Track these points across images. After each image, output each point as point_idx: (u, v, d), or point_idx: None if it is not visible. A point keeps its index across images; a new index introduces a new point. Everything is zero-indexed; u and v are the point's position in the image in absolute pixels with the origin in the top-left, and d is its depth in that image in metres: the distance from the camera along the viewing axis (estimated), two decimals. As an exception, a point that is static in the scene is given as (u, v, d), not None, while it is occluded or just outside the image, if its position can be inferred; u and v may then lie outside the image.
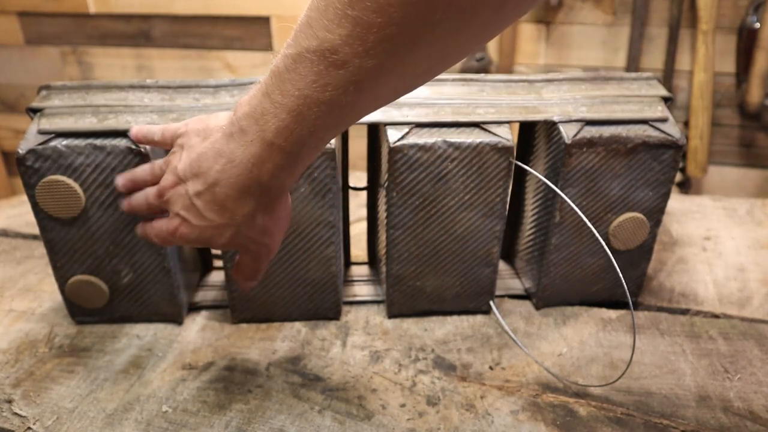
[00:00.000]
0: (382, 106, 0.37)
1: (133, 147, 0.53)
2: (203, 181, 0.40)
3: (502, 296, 0.69)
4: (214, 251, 0.73)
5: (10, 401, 0.53)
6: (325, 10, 0.30)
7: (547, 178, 0.59)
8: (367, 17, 0.29)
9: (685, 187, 1.32)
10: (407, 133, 0.56)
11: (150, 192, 0.47)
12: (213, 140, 0.40)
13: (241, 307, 0.63)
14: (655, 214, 0.62)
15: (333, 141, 0.54)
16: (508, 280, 0.71)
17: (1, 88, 1.66)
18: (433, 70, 0.35)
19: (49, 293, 0.69)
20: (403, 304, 0.65)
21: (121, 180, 0.49)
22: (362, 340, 0.61)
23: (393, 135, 0.55)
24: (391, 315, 0.65)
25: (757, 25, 1.16)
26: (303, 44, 0.32)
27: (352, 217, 0.73)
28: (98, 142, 0.53)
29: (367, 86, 0.32)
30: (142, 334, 0.62)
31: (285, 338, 0.62)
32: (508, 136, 0.56)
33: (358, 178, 0.73)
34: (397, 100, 0.57)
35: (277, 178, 0.39)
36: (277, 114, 0.35)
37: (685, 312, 0.67)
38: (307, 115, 0.34)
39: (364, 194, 0.72)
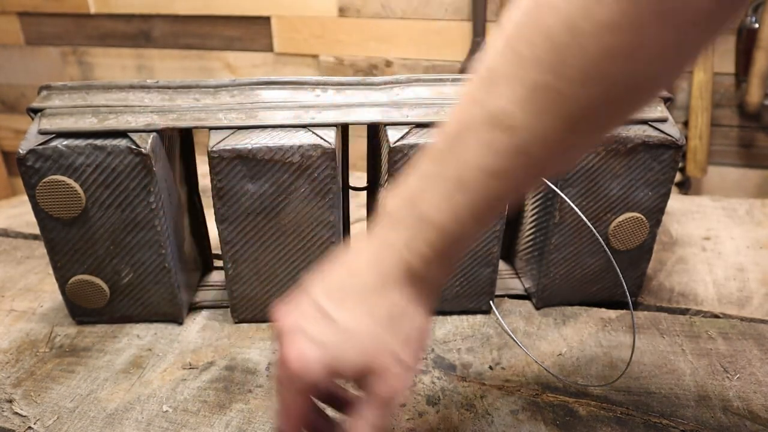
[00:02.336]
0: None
1: (134, 147, 0.53)
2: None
3: (502, 296, 0.69)
4: (215, 251, 0.73)
5: (10, 401, 0.53)
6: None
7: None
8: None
9: (685, 187, 1.32)
10: (407, 133, 0.56)
11: None
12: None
13: (242, 307, 0.63)
14: (655, 214, 0.62)
15: (333, 141, 0.54)
16: (508, 280, 0.71)
17: (1, 88, 1.66)
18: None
19: (50, 293, 0.69)
20: (403, 304, 0.65)
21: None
22: (362, 340, 0.61)
23: (393, 135, 0.55)
24: (391, 315, 0.65)
25: (757, 25, 1.16)
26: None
27: (352, 217, 0.73)
28: (99, 142, 0.53)
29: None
30: (142, 334, 0.62)
31: (285, 338, 0.62)
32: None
33: (358, 178, 0.73)
34: (397, 100, 0.58)
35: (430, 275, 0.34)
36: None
37: (684, 312, 0.67)
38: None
39: (364, 194, 0.72)
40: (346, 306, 0.34)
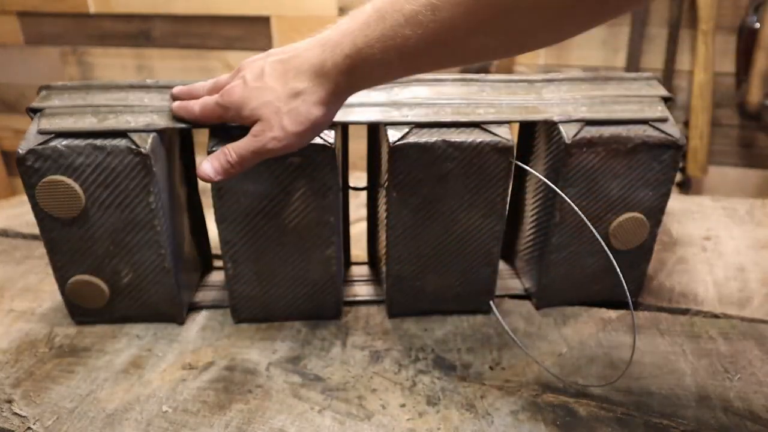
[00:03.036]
0: (442, 66, 0.44)
1: (133, 147, 0.53)
2: (280, 55, 0.48)
3: (502, 296, 0.69)
4: (215, 251, 0.73)
5: (10, 401, 0.53)
6: None
7: (547, 178, 0.59)
8: None
9: (685, 187, 1.32)
10: (407, 133, 0.56)
11: (206, 86, 0.54)
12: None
13: (241, 307, 0.63)
14: (655, 214, 0.62)
15: (333, 140, 0.54)
16: (508, 280, 0.71)
17: (1, 88, 1.66)
18: (507, 51, 0.45)
19: (49, 293, 0.69)
20: (403, 304, 0.65)
21: (176, 89, 0.56)
22: (362, 340, 0.61)
23: (393, 135, 0.55)
24: (391, 315, 0.65)
25: (757, 25, 1.16)
26: None
27: (352, 217, 0.73)
28: (98, 142, 0.53)
29: (448, 29, 0.40)
30: (142, 334, 0.62)
31: (285, 338, 0.62)
32: (508, 136, 0.56)
33: (358, 178, 0.73)
34: (396, 100, 0.58)
35: (339, 72, 0.45)
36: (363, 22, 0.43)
37: (685, 312, 0.67)
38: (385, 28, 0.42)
39: (364, 194, 0.72)
40: (273, 73, 0.48)
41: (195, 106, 0.53)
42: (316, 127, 0.48)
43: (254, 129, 0.49)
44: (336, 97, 0.47)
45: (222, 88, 0.51)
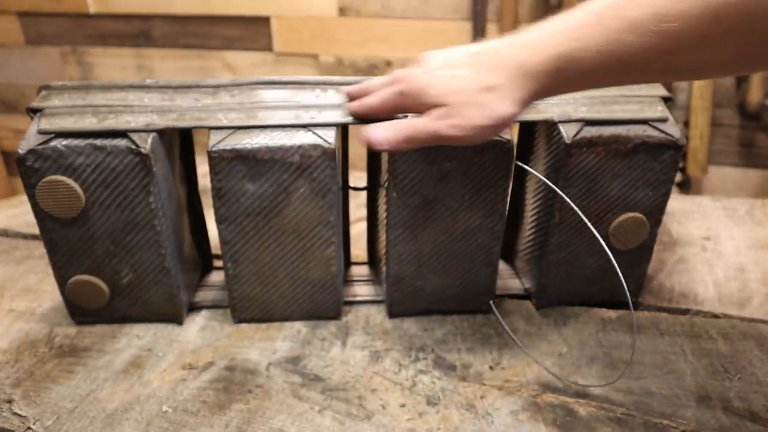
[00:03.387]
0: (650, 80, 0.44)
1: (133, 147, 0.53)
2: (472, 49, 0.47)
3: (502, 296, 0.69)
4: (215, 251, 0.73)
5: (10, 401, 0.53)
6: None
7: (547, 178, 0.59)
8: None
9: (685, 187, 1.32)
10: (407, 133, 0.56)
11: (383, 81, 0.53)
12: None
13: (242, 307, 0.63)
14: (655, 214, 0.62)
15: (333, 141, 0.54)
16: (508, 280, 0.71)
17: (1, 88, 1.66)
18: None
19: (49, 293, 0.69)
20: (403, 304, 0.65)
21: (351, 88, 0.56)
22: (362, 340, 0.61)
23: (393, 135, 0.55)
24: (391, 315, 0.65)
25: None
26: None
27: (352, 217, 0.73)
28: (98, 142, 0.53)
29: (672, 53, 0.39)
30: (142, 334, 0.62)
31: (285, 338, 0.62)
32: (508, 135, 0.56)
33: (358, 178, 0.73)
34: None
35: (544, 72, 0.44)
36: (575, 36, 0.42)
37: (685, 312, 0.67)
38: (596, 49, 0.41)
39: (364, 194, 0.72)
40: (466, 64, 0.47)
41: (373, 99, 0.52)
42: (500, 125, 0.46)
43: (436, 112, 0.47)
44: (533, 98, 0.46)
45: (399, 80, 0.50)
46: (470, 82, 0.46)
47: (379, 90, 0.53)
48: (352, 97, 0.56)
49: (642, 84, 0.44)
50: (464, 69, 0.46)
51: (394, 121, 0.50)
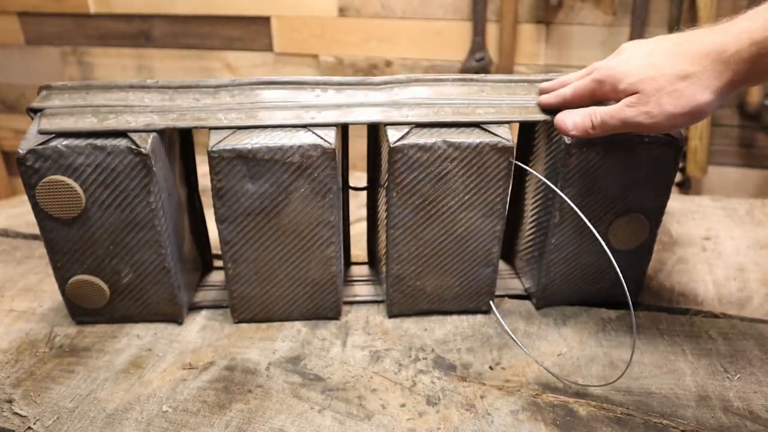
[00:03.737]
0: None
1: (134, 147, 0.53)
2: (672, 39, 0.47)
3: (502, 296, 0.69)
4: (215, 251, 0.73)
5: (10, 401, 0.53)
6: None
7: (547, 178, 0.60)
8: None
9: (685, 187, 1.32)
10: (407, 133, 0.56)
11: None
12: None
13: (241, 307, 0.63)
14: (655, 214, 0.62)
15: (333, 141, 0.54)
16: (508, 280, 0.71)
17: (1, 88, 1.66)
18: None
19: (50, 293, 0.69)
20: (403, 304, 0.65)
21: (546, 84, 0.57)
22: (362, 340, 0.62)
23: (393, 135, 0.55)
24: (391, 315, 0.65)
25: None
26: None
27: (352, 217, 0.73)
28: (98, 142, 0.53)
29: None
30: (142, 334, 0.62)
31: (285, 338, 0.62)
32: (508, 136, 0.56)
33: (358, 178, 0.74)
34: (397, 100, 0.58)
35: (742, 59, 0.43)
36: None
37: (684, 312, 0.67)
38: None
39: (364, 194, 0.72)
40: (663, 52, 0.47)
41: (567, 89, 0.54)
42: (696, 114, 0.46)
43: (628, 99, 0.48)
44: (730, 87, 0.45)
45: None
46: (665, 69, 0.46)
47: (573, 81, 0.54)
48: (545, 92, 0.57)
49: None
50: (660, 57, 0.47)
51: (583, 109, 0.51)
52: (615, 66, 0.49)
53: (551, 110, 0.56)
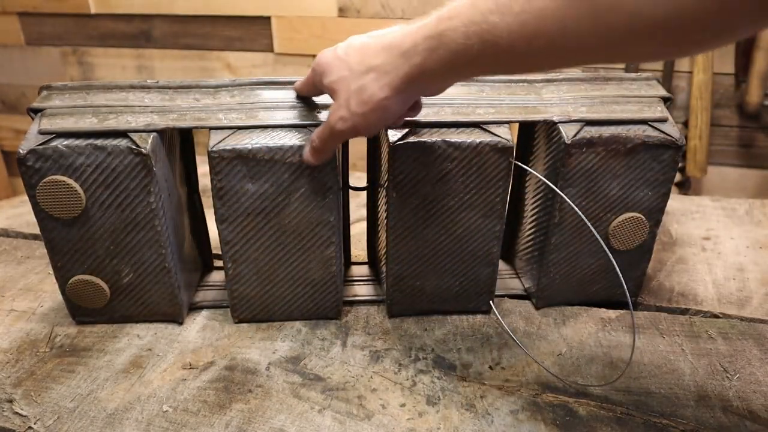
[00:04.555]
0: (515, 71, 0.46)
1: (134, 147, 0.53)
2: (375, 32, 0.47)
3: (502, 296, 0.69)
4: (215, 251, 0.73)
5: (11, 401, 0.53)
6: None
7: (547, 178, 0.60)
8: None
9: (685, 187, 1.32)
10: (407, 133, 0.56)
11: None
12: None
13: (242, 307, 0.63)
14: (655, 214, 0.62)
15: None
16: (508, 280, 0.72)
17: (2, 88, 1.66)
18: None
19: (50, 293, 0.69)
20: (403, 303, 0.65)
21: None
22: (362, 340, 0.62)
23: (393, 135, 0.55)
24: (391, 315, 0.65)
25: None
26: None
27: (352, 217, 0.73)
28: (99, 142, 0.54)
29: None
30: (142, 333, 0.62)
31: (285, 338, 0.62)
32: (508, 136, 0.56)
33: (358, 178, 0.74)
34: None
35: (417, 53, 0.43)
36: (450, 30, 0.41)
37: (684, 312, 0.67)
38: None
39: (364, 194, 0.72)
40: (357, 47, 0.46)
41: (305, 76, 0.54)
42: (380, 111, 0.46)
43: (331, 107, 0.49)
44: (408, 82, 0.44)
45: None
46: (354, 66, 0.46)
47: None
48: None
49: (519, 73, 0.43)
50: (354, 53, 0.46)
51: (309, 136, 0.53)
52: (325, 57, 0.49)
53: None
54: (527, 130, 0.66)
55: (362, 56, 0.45)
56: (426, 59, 0.43)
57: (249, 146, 0.54)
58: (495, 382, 0.56)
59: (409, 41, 0.43)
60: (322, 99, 0.58)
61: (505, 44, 0.39)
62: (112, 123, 0.54)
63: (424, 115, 0.57)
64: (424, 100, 0.58)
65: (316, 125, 0.56)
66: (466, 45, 0.40)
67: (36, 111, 0.56)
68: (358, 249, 0.78)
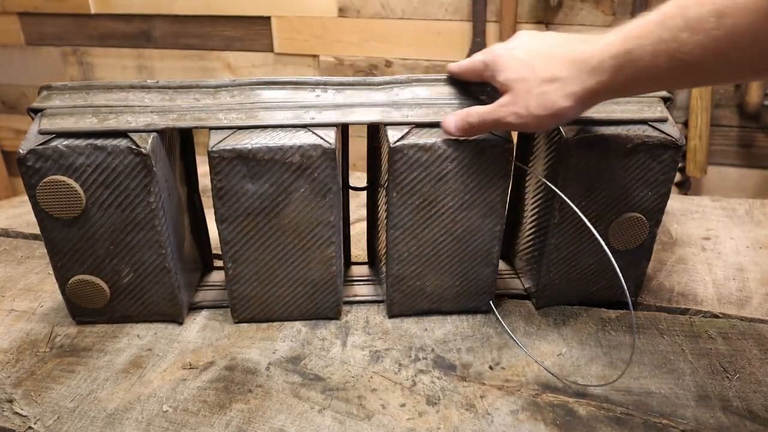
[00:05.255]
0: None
1: (134, 147, 0.53)
2: (554, 38, 0.50)
3: (502, 296, 0.69)
4: (215, 251, 0.73)
5: (11, 401, 0.53)
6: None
7: (547, 178, 0.60)
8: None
9: (685, 187, 1.32)
10: (407, 133, 0.56)
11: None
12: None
13: (242, 307, 0.63)
14: (655, 214, 0.62)
15: (333, 141, 0.55)
16: (508, 280, 0.72)
17: (2, 88, 1.66)
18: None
19: (50, 293, 0.69)
20: (403, 303, 0.65)
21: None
22: (362, 340, 0.62)
23: (393, 135, 0.56)
24: (391, 315, 0.66)
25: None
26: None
27: (352, 217, 0.73)
28: (99, 142, 0.54)
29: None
30: (142, 333, 0.62)
31: (285, 338, 0.62)
32: (507, 136, 0.56)
33: (358, 178, 0.74)
34: (396, 100, 0.58)
35: (604, 70, 0.45)
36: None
37: (684, 312, 0.67)
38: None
39: (364, 194, 0.72)
40: (539, 53, 0.49)
41: (464, 61, 0.56)
42: (558, 117, 0.48)
43: (502, 99, 0.51)
44: (591, 95, 0.47)
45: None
46: (537, 71, 0.48)
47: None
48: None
49: (702, 87, 0.45)
50: (537, 57, 0.49)
51: (463, 110, 0.54)
52: (501, 55, 0.51)
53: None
54: (527, 130, 0.66)
55: (547, 65, 0.48)
56: (613, 76, 0.45)
57: (249, 146, 0.54)
58: (495, 382, 0.56)
59: (597, 58, 0.45)
60: (322, 99, 0.58)
61: (694, 61, 0.40)
62: (112, 123, 0.54)
63: (424, 115, 0.57)
64: (425, 100, 0.58)
65: (316, 125, 0.56)
66: (654, 63, 0.42)
67: (36, 111, 0.56)
68: (358, 249, 0.78)
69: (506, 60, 0.50)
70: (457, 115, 0.54)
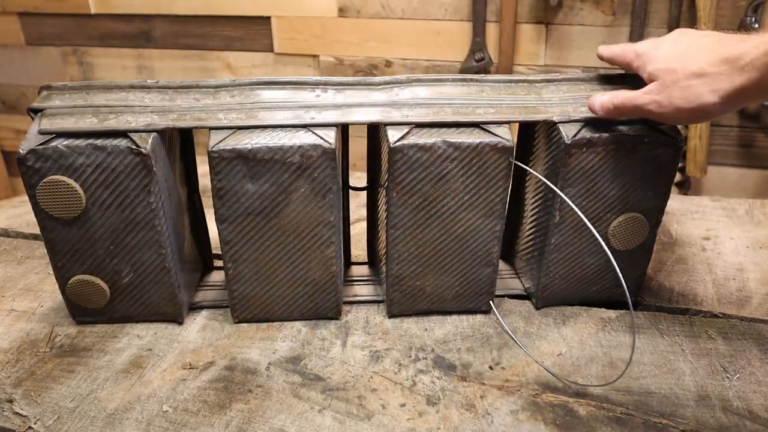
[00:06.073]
0: None
1: (134, 147, 0.53)
2: (710, 37, 0.50)
3: (502, 296, 0.69)
4: (215, 251, 0.73)
5: (11, 401, 0.53)
6: None
7: (547, 178, 0.60)
8: None
9: (685, 187, 1.32)
10: (407, 133, 0.56)
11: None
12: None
13: (242, 307, 0.63)
14: (655, 214, 0.62)
15: (333, 141, 0.55)
16: (508, 280, 0.72)
17: (2, 88, 1.66)
18: None
19: (50, 293, 0.69)
20: (403, 303, 0.65)
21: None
22: (362, 340, 0.62)
23: (393, 135, 0.56)
24: (391, 315, 0.66)
25: (756, 25, 1.16)
26: None
27: (352, 217, 0.73)
28: (99, 142, 0.54)
29: None
30: (142, 333, 0.62)
31: (285, 338, 0.62)
32: (508, 136, 0.56)
33: (358, 178, 0.74)
34: (396, 101, 0.58)
35: (755, 68, 0.45)
36: None
37: (684, 312, 0.67)
38: None
39: (364, 194, 0.72)
40: (691, 47, 0.50)
41: (616, 46, 0.58)
42: (699, 113, 0.49)
43: (648, 87, 0.52)
44: (739, 94, 0.47)
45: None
46: (687, 65, 0.49)
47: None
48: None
49: None
50: (691, 52, 0.49)
51: (613, 91, 0.55)
52: (654, 48, 0.53)
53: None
54: (527, 130, 0.66)
55: (698, 60, 0.48)
56: (764, 75, 0.45)
57: (249, 146, 0.54)
58: (495, 382, 0.56)
59: (750, 56, 0.45)
60: (322, 99, 0.58)
61: None
62: (112, 123, 0.54)
63: (424, 115, 0.57)
64: (425, 100, 0.58)
65: (316, 125, 0.56)
66: None
67: (36, 111, 0.56)
68: (358, 249, 0.78)
69: (659, 53, 0.51)
70: (605, 95, 0.55)
